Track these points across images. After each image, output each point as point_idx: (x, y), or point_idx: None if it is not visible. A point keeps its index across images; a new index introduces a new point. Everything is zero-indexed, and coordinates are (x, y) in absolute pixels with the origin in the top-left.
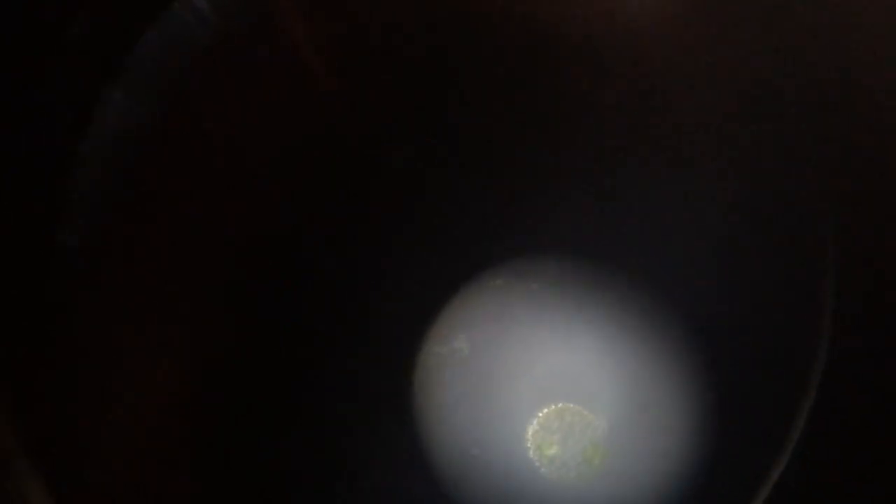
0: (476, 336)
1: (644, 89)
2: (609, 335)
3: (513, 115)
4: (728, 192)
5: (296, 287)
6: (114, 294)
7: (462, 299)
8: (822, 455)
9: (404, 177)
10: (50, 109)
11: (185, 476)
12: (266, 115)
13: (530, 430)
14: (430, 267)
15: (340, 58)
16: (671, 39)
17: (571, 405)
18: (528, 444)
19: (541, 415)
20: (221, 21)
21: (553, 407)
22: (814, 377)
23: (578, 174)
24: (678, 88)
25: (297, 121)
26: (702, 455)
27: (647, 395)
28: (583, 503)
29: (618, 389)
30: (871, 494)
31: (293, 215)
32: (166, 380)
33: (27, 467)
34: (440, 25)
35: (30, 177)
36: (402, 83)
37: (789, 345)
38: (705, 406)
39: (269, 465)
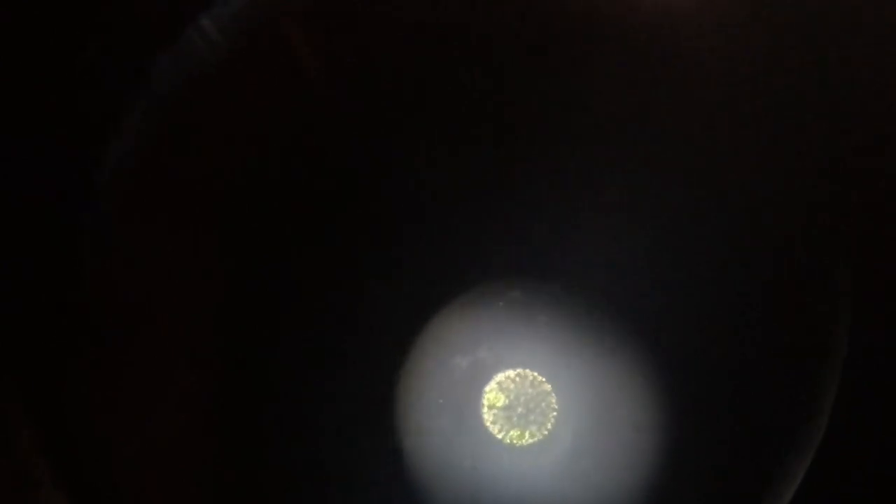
0: (466, 354)
1: (642, 95)
2: (618, 347)
3: (526, 122)
4: (742, 191)
5: (302, 298)
6: (133, 296)
7: (476, 311)
8: (842, 459)
9: (414, 192)
10: (71, 125)
11: (196, 480)
12: (273, 132)
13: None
14: (437, 277)
15: (345, 78)
16: (671, 55)
17: (528, 371)
18: (484, 407)
19: (497, 380)
20: (231, 45)
21: (510, 372)
22: (835, 379)
23: (587, 191)
24: (679, 94)
25: (303, 137)
26: (713, 460)
27: (660, 407)
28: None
29: (629, 401)
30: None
31: (304, 226)
32: (175, 382)
33: (49, 474)
34: (446, 51)
35: (52, 188)
36: (411, 99)
37: (809, 348)
38: (716, 411)
39: (273, 468)
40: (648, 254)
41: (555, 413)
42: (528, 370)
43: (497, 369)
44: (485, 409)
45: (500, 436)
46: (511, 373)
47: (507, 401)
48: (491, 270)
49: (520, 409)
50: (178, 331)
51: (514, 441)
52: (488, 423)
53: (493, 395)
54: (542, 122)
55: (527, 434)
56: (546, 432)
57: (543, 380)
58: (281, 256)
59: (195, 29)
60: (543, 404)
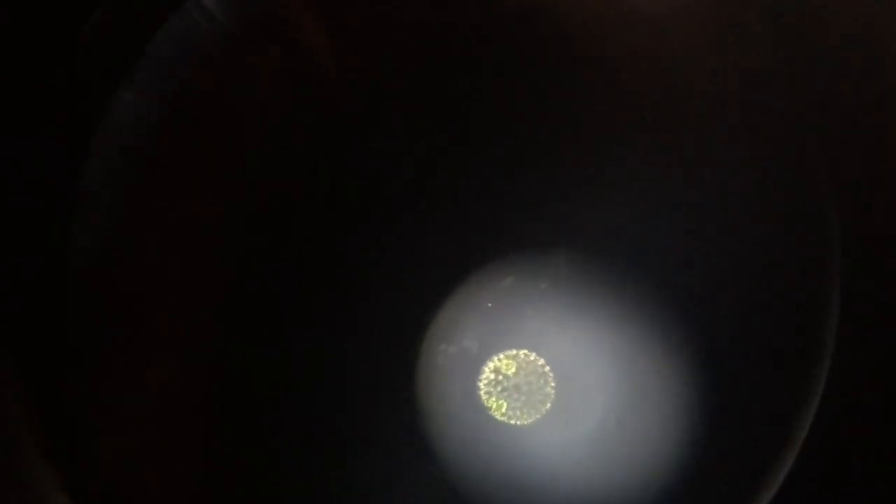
0: (484, 335)
1: (649, 86)
2: (614, 332)
3: (521, 112)
4: (734, 188)
5: (302, 285)
6: (131, 292)
7: (470, 298)
8: (827, 455)
9: (412, 176)
10: (65, 115)
11: (196, 479)
12: (274, 114)
13: (484, 378)
14: (437, 265)
15: (348, 57)
16: (674, 37)
17: (525, 352)
18: (482, 392)
19: (494, 362)
20: (230, 22)
21: (506, 354)
22: (820, 375)
23: (585, 171)
24: (681, 85)
25: (304, 120)
26: (700, 453)
27: (650, 393)
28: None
29: (622, 385)
30: (876, 494)
31: (300, 214)
32: (184, 378)
33: (48, 472)
34: (448, 24)
35: (41, 177)
36: (411, 81)
37: (795, 343)
38: (706, 405)
39: (273, 466)
40: (646, 249)
41: (552, 394)
42: (525, 351)
43: (492, 353)
44: (482, 392)
45: (497, 416)
46: (508, 354)
47: (505, 382)
48: (489, 259)
49: (515, 388)
50: (179, 331)
51: (512, 421)
52: (487, 405)
53: (491, 375)
54: (563, 106)
55: (524, 414)
56: (544, 413)
57: (542, 361)
58: (280, 254)
59: (193, 4)
60: (541, 385)
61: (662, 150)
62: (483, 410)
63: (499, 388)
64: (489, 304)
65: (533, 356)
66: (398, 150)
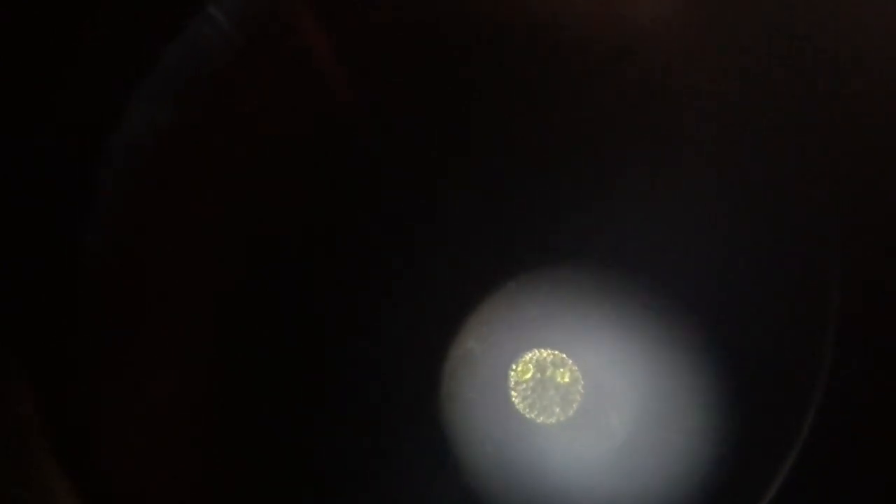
0: (488, 338)
1: (650, 92)
2: (619, 336)
3: (525, 117)
4: (735, 194)
5: (311, 289)
6: (135, 294)
7: (475, 301)
8: (826, 456)
9: (416, 181)
10: (74, 120)
11: (201, 479)
12: (283, 124)
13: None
14: (444, 269)
15: (357, 69)
16: (675, 41)
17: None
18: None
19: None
20: (240, 33)
21: (533, 354)
22: (819, 379)
23: (589, 176)
24: (685, 90)
25: (313, 129)
26: (705, 456)
27: (658, 395)
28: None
29: (630, 389)
30: (874, 494)
31: (310, 219)
32: (188, 379)
33: (54, 467)
34: (454, 34)
35: (41, 177)
36: (419, 89)
37: (794, 347)
38: (710, 407)
39: (286, 468)
40: (655, 255)
41: (580, 395)
42: (551, 350)
43: (520, 353)
44: (512, 391)
45: (526, 415)
46: (534, 354)
47: (532, 381)
48: (502, 261)
49: (541, 387)
50: (183, 331)
51: (540, 421)
52: (515, 404)
53: (519, 373)
54: (567, 112)
55: (550, 414)
56: (571, 414)
57: (570, 361)
58: (285, 256)
59: (202, 17)
60: (570, 386)
61: (676, 156)
62: (506, 411)
63: (524, 388)
64: (505, 305)
65: (561, 357)
66: (405, 151)
